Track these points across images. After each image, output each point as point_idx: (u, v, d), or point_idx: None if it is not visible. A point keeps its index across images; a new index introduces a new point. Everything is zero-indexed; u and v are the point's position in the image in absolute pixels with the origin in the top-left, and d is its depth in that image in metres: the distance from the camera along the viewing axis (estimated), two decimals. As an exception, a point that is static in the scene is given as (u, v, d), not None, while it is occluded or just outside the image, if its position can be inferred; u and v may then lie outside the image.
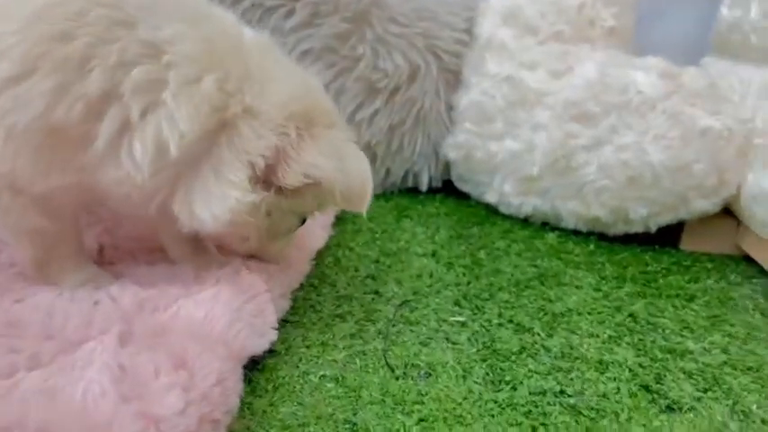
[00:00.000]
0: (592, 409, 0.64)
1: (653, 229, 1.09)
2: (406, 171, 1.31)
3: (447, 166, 1.32)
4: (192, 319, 0.61)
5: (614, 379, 0.70)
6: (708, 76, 1.09)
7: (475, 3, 1.29)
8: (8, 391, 0.49)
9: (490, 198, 1.22)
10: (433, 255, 1.01)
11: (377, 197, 1.29)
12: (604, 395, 0.67)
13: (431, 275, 0.93)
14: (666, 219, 1.07)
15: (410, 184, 1.33)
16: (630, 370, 0.72)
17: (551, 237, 1.12)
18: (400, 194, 1.33)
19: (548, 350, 0.75)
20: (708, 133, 1.00)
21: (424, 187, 1.32)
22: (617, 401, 0.66)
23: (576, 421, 0.62)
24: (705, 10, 1.37)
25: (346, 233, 1.08)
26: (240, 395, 0.58)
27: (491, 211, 1.24)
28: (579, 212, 1.11)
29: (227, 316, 0.62)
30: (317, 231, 0.94)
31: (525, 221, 1.19)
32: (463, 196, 1.31)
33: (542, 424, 0.61)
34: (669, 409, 0.66)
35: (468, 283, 0.92)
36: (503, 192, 1.18)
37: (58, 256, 0.71)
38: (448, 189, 1.34)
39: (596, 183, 1.07)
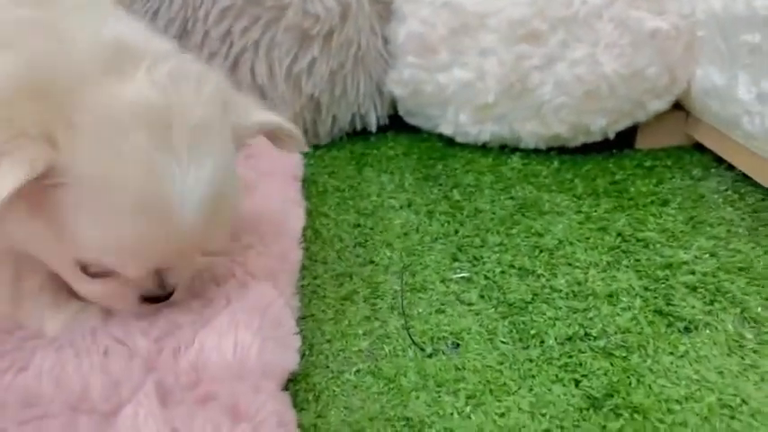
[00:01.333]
0: (620, 347, 0.67)
1: (611, 136, 1.11)
2: (353, 115, 1.26)
3: (392, 102, 1.28)
4: (223, 354, 0.57)
5: (628, 308, 0.72)
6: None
7: None
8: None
9: (445, 130, 1.20)
10: (410, 206, 0.99)
11: (328, 148, 1.25)
12: (627, 330, 0.69)
13: (417, 230, 0.92)
14: (624, 124, 1.09)
15: (358, 126, 1.28)
16: (640, 296, 0.74)
17: (515, 160, 1.13)
18: (350, 140, 1.28)
19: (558, 291, 0.76)
20: (657, 35, 1.01)
21: (373, 128, 1.28)
22: (639, 333, 0.69)
23: (611, 363, 0.64)
24: None
25: (312, 197, 1.04)
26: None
27: (446, 142, 1.22)
28: (539, 132, 1.11)
29: (256, 341, 0.59)
30: (295, 209, 0.90)
31: (483, 147, 1.18)
32: (414, 130, 1.29)
33: (583, 375, 0.63)
34: (686, 330, 0.69)
35: (456, 231, 0.91)
36: (458, 122, 1.16)
37: (26, 295, 0.64)
38: (396, 124, 1.31)
39: (554, 101, 1.06)
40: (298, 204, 0.92)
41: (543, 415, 0.59)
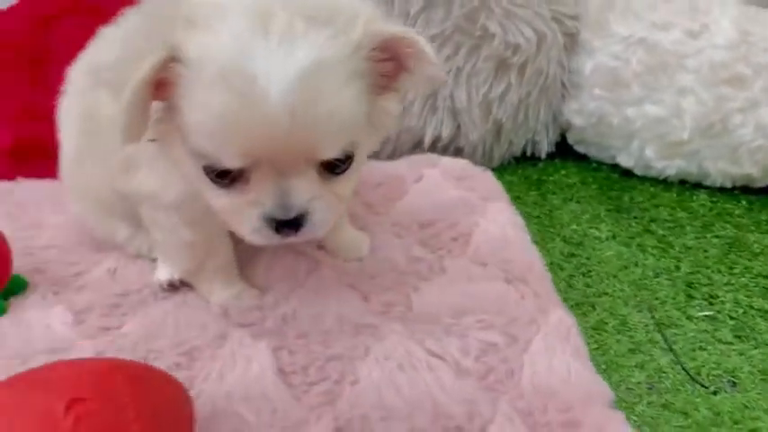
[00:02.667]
0: None
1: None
2: (527, 140, 1.29)
3: (561, 130, 1.31)
4: (558, 377, 0.61)
5: None
6: None
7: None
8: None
9: (624, 161, 1.23)
10: (614, 237, 1.02)
11: (500, 171, 1.28)
12: None
13: (635, 264, 0.95)
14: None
15: (528, 152, 1.32)
16: None
17: (702, 197, 1.15)
18: (518, 164, 1.32)
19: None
20: None
21: (543, 154, 1.31)
22: None
23: None
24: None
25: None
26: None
27: (621, 173, 1.25)
28: (729, 171, 1.13)
29: (575, 365, 0.62)
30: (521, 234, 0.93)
31: (664, 181, 1.21)
32: (580, 157, 1.32)
33: None
34: None
35: (677, 267, 0.94)
36: (642, 156, 1.19)
37: (207, 270, 0.74)
38: (561, 151, 1.34)
39: (752, 143, 1.09)
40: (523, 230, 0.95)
41: None
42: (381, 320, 0.73)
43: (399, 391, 0.62)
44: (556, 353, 0.64)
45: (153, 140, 0.62)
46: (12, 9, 1.24)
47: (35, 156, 1.14)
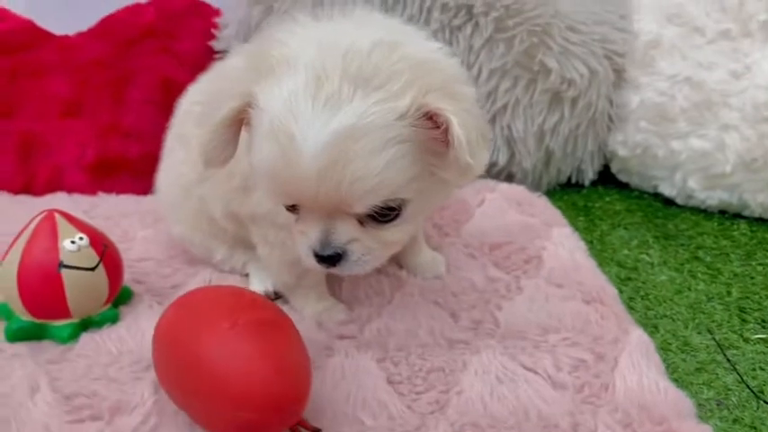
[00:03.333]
0: None
1: (838, 213, 1.20)
2: (572, 169, 1.36)
3: (605, 160, 1.38)
4: (648, 392, 0.67)
5: None
6: None
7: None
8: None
9: (667, 191, 1.30)
10: (665, 263, 1.09)
11: (548, 197, 1.35)
12: None
13: (689, 288, 1.01)
14: None
15: (573, 179, 1.39)
16: None
17: (743, 227, 1.22)
18: (564, 190, 1.39)
19: None
20: None
21: (587, 182, 1.38)
22: None
23: None
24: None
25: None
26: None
27: (663, 201, 1.32)
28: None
29: (662, 381, 0.69)
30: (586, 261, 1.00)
31: (704, 211, 1.28)
32: (622, 186, 1.39)
33: None
34: None
35: (729, 293, 1.00)
36: (685, 186, 1.26)
37: (304, 285, 0.83)
38: (602, 179, 1.41)
39: (792, 177, 1.16)
40: (588, 254, 1.02)
41: None
42: (471, 336, 0.79)
43: (503, 402, 0.68)
44: (642, 369, 0.71)
45: None
46: (92, 30, 1.31)
47: (116, 172, 1.21)
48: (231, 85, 0.65)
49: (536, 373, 0.72)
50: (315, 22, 0.68)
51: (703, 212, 1.28)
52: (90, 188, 1.17)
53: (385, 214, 0.63)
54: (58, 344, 0.77)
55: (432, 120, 0.60)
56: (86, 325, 0.80)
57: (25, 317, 0.78)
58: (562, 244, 1.00)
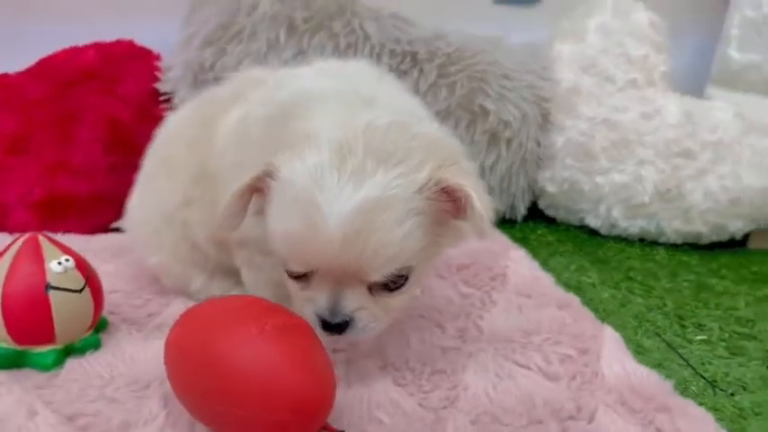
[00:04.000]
0: None
1: (738, 237, 1.37)
2: (506, 205, 1.46)
3: (534, 197, 1.50)
4: (637, 376, 0.74)
5: None
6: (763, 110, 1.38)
7: (537, 51, 1.48)
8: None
9: (592, 222, 1.42)
10: (603, 283, 1.19)
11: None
12: None
13: (630, 302, 1.11)
14: (750, 228, 1.35)
15: (507, 216, 1.49)
16: None
17: (662, 252, 1.36)
18: (500, 226, 1.48)
19: (786, 351, 0.97)
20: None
21: (519, 218, 1.49)
22: None
23: None
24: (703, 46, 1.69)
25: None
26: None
27: (588, 233, 1.44)
28: (682, 230, 1.35)
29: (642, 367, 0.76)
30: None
31: (625, 239, 1.41)
32: (550, 221, 1.51)
33: None
34: None
35: (665, 305, 1.11)
36: (609, 217, 1.39)
37: (292, 305, 0.82)
38: (531, 216, 1.52)
39: (702, 206, 1.32)
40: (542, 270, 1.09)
41: None
42: (461, 343, 0.84)
43: (508, 394, 0.72)
44: (622, 359, 0.78)
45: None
46: (31, 70, 1.29)
47: (63, 211, 1.17)
48: (253, 156, 0.69)
49: (529, 369, 0.77)
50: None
51: (625, 240, 1.41)
52: (36, 227, 1.12)
53: (396, 281, 0.66)
54: (40, 371, 0.73)
55: (446, 193, 0.64)
56: (69, 351, 0.76)
57: (5, 343, 0.73)
58: (521, 263, 1.07)
